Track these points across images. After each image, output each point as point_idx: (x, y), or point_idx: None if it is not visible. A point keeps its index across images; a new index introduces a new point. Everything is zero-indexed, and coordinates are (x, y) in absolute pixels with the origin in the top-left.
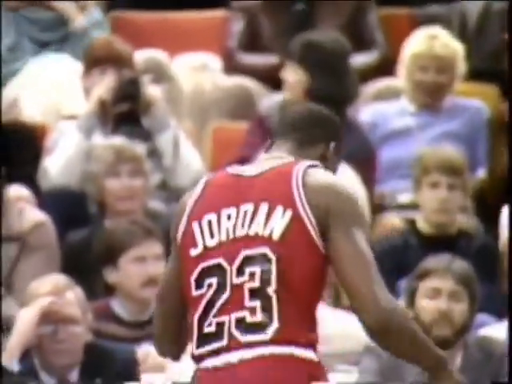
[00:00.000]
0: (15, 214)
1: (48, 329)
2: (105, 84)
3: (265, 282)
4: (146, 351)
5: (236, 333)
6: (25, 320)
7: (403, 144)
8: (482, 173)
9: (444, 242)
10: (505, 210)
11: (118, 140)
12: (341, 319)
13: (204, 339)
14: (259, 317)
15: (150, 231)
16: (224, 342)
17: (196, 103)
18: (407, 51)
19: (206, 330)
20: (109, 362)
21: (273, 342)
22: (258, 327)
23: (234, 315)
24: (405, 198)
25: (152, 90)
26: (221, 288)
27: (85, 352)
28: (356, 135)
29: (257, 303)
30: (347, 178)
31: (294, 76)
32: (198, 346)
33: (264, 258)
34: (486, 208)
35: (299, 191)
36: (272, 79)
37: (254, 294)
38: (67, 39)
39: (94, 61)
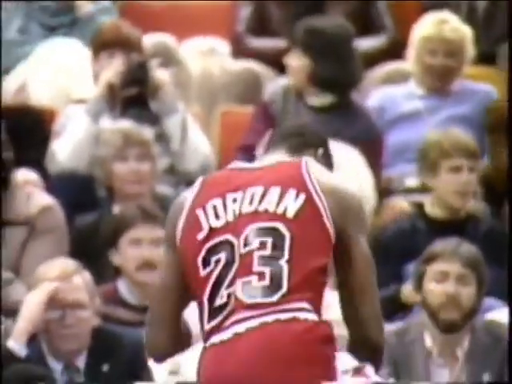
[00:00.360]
0: (23, 198)
1: (55, 314)
2: (113, 68)
3: (277, 251)
4: None
5: (241, 295)
6: (32, 304)
7: (411, 127)
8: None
9: (452, 225)
10: None
11: (126, 124)
12: None
13: (214, 312)
14: (267, 282)
15: (150, 215)
16: (230, 307)
17: (204, 87)
18: (416, 35)
19: (217, 302)
20: (117, 347)
21: (278, 304)
22: (265, 291)
23: (241, 280)
24: (412, 181)
25: (160, 74)
26: (229, 262)
27: (92, 337)
28: (363, 119)
29: (266, 269)
30: (354, 162)
31: (297, 61)
32: (209, 321)
33: (276, 232)
34: (494, 193)
35: (311, 178)
36: (280, 63)
37: (263, 260)
38: (75, 24)
39: (103, 45)
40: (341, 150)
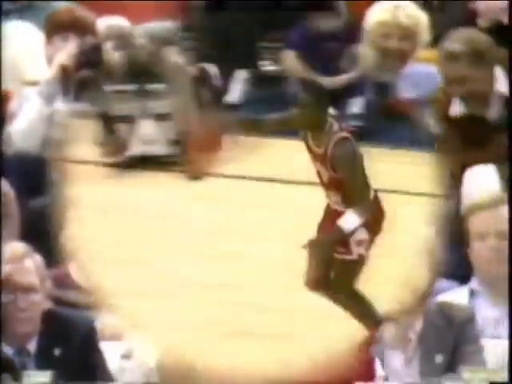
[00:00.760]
0: None
1: (8, 297)
2: (67, 50)
3: None
4: (105, 320)
5: None
6: None
7: None
8: None
9: None
10: (468, 175)
11: (80, 106)
12: None
13: None
14: None
15: None
16: None
17: None
18: (370, 20)
19: None
20: (68, 330)
21: None
22: None
23: None
24: None
25: (115, 57)
26: None
27: (43, 320)
28: None
29: None
30: None
31: None
32: None
33: None
34: None
35: None
36: None
37: None
38: (29, 9)
39: (56, 28)
40: None
